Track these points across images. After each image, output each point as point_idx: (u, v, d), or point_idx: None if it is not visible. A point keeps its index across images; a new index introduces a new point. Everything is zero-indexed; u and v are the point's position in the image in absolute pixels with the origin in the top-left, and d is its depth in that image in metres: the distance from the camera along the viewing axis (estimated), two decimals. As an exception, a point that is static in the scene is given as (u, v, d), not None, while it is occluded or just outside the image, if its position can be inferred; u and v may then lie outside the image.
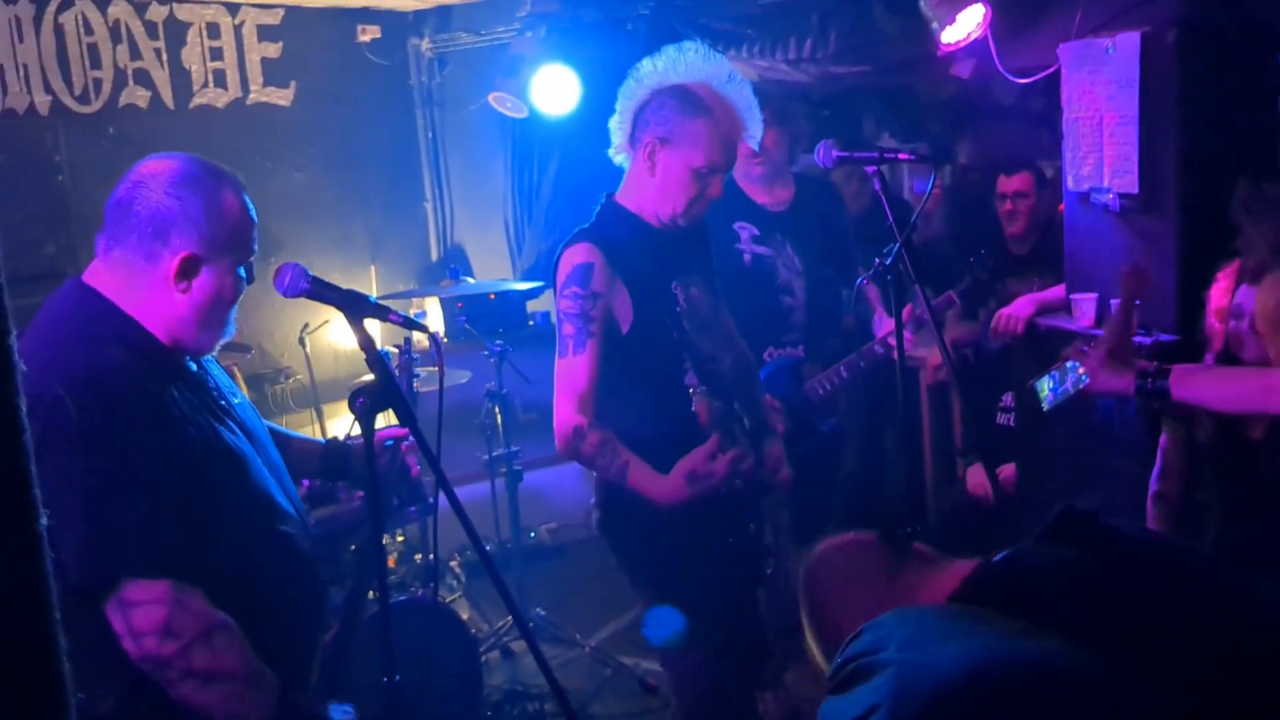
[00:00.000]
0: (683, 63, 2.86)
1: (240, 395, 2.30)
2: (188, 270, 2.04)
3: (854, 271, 4.50)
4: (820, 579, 1.69)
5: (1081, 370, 2.70)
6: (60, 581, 0.66)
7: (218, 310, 2.11)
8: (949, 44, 4.23)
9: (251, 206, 2.14)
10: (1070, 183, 3.91)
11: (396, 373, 3.47)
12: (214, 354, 2.24)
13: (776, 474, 3.12)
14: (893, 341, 3.97)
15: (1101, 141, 3.70)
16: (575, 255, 2.82)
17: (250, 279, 2.17)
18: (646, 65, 2.89)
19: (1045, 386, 2.78)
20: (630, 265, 2.85)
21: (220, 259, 2.07)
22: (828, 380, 4.13)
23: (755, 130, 2.87)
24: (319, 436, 5.43)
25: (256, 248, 2.17)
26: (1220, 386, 2.56)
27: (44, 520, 0.63)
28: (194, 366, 2.16)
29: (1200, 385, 2.56)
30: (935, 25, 4.21)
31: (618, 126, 2.92)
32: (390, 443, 2.50)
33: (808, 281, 4.19)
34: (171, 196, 2.02)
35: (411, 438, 2.30)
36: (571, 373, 2.79)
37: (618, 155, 2.95)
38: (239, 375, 4.87)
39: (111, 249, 2.06)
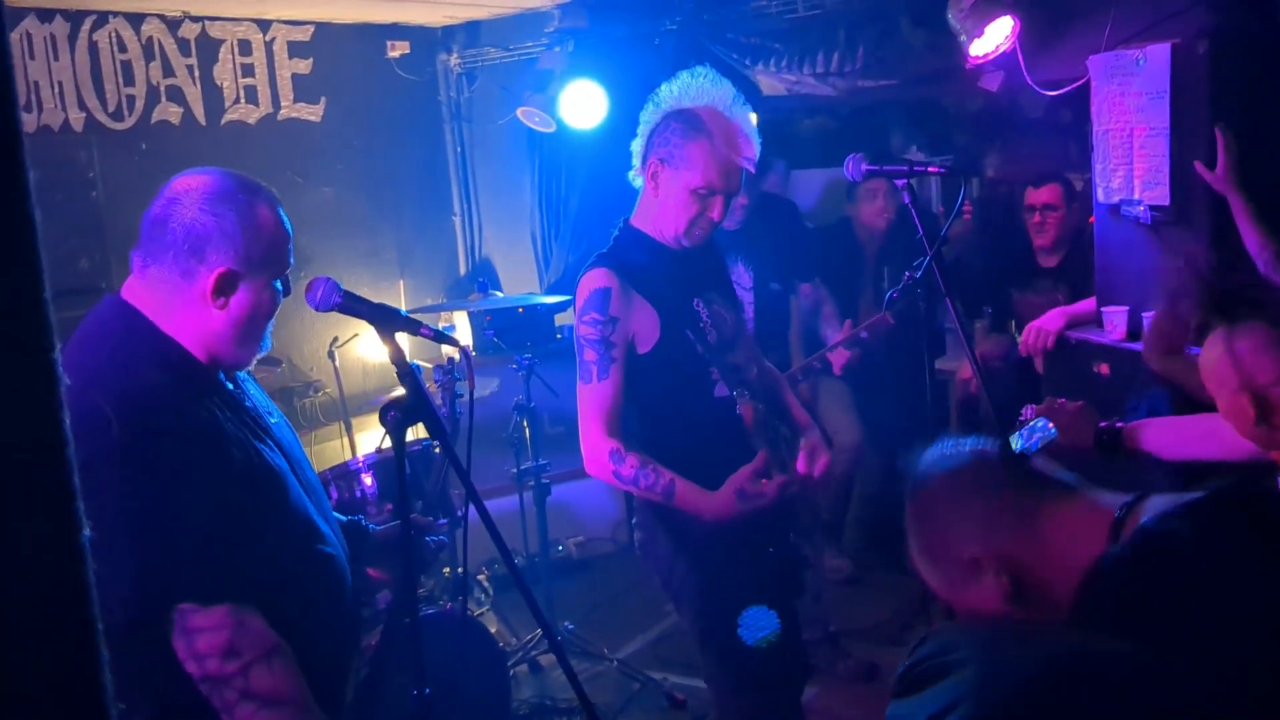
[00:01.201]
0: (694, 87, 2.92)
1: (277, 414, 2.29)
2: (225, 286, 2.03)
3: (806, 279, 4.61)
4: (932, 488, 1.63)
5: (1051, 425, 2.84)
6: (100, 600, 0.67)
7: (255, 325, 2.10)
8: (977, 57, 4.22)
9: (287, 220, 2.13)
10: (1100, 195, 3.89)
11: (434, 392, 3.47)
12: (250, 369, 2.24)
13: (815, 462, 3.13)
14: (830, 356, 4.06)
15: (1132, 154, 3.68)
16: (592, 281, 2.88)
17: (287, 291, 2.16)
18: (663, 90, 2.97)
19: (1016, 441, 2.92)
20: (651, 285, 2.89)
21: (257, 274, 2.06)
22: None
23: (752, 154, 2.91)
24: (347, 450, 5.47)
25: (292, 261, 2.17)
26: (1164, 436, 2.69)
27: (87, 533, 0.64)
28: (230, 385, 2.16)
29: (1147, 436, 2.68)
30: (963, 38, 4.21)
31: (636, 150, 2.98)
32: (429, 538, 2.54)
33: (756, 296, 4.30)
34: (207, 213, 2.01)
35: (443, 535, 2.31)
36: (598, 398, 2.83)
37: (636, 179, 3.00)
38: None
39: (148, 266, 2.05)
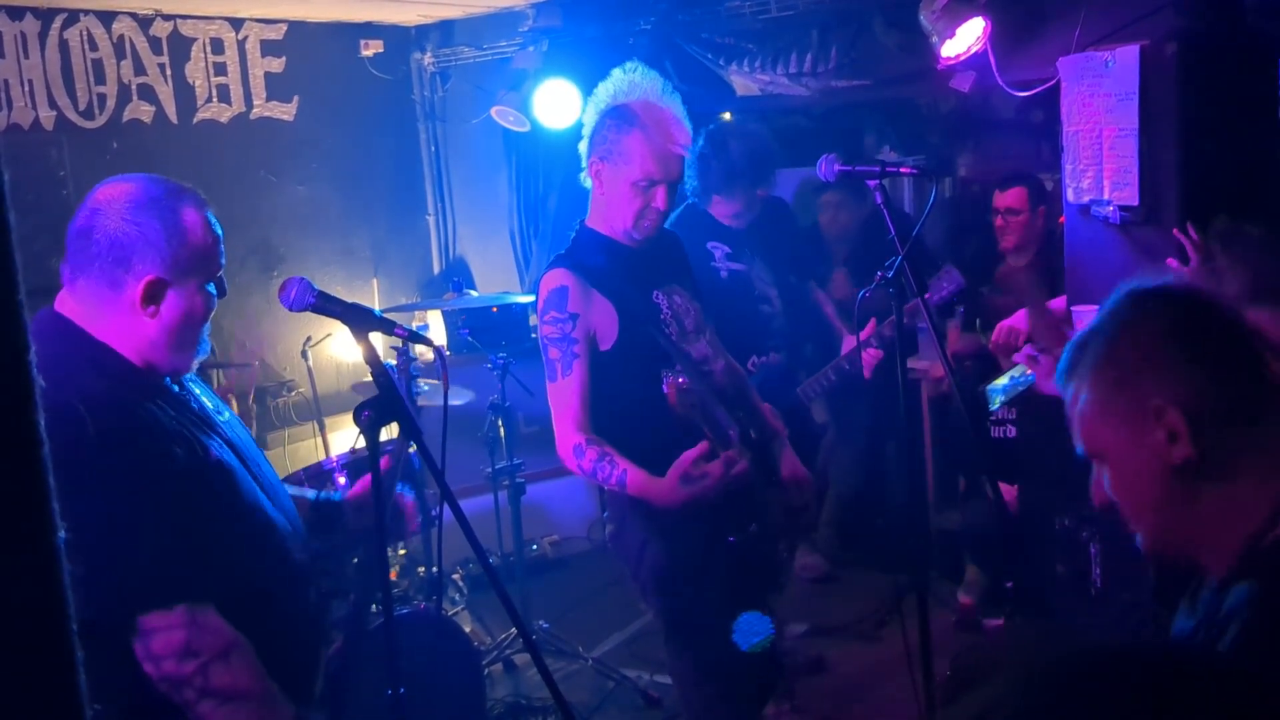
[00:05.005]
0: (626, 82, 2.99)
1: (227, 412, 2.28)
2: (153, 294, 2.02)
3: (811, 279, 4.62)
4: (1147, 324, 1.48)
5: (1029, 371, 2.90)
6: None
7: (188, 330, 2.08)
8: (949, 58, 4.24)
9: (215, 222, 2.11)
10: (1070, 195, 3.93)
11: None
12: (193, 371, 2.21)
13: (793, 476, 3.16)
14: (864, 357, 4.04)
15: (1101, 154, 3.72)
16: (550, 281, 2.94)
17: (222, 293, 2.14)
18: (599, 90, 3.04)
19: (997, 386, 3.01)
20: (609, 281, 2.95)
21: (185, 280, 2.04)
22: (817, 384, 4.23)
23: (686, 140, 2.96)
24: (320, 450, 5.45)
25: (224, 262, 2.14)
26: None
27: (62, 534, 0.64)
28: (175, 388, 2.14)
29: None
30: (935, 39, 4.23)
31: (582, 151, 3.02)
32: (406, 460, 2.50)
33: (780, 290, 4.31)
34: (129, 222, 2.00)
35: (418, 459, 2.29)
36: (564, 394, 2.89)
37: (585, 180, 3.04)
38: (249, 387, 4.86)
39: (76, 278, 2.04)
